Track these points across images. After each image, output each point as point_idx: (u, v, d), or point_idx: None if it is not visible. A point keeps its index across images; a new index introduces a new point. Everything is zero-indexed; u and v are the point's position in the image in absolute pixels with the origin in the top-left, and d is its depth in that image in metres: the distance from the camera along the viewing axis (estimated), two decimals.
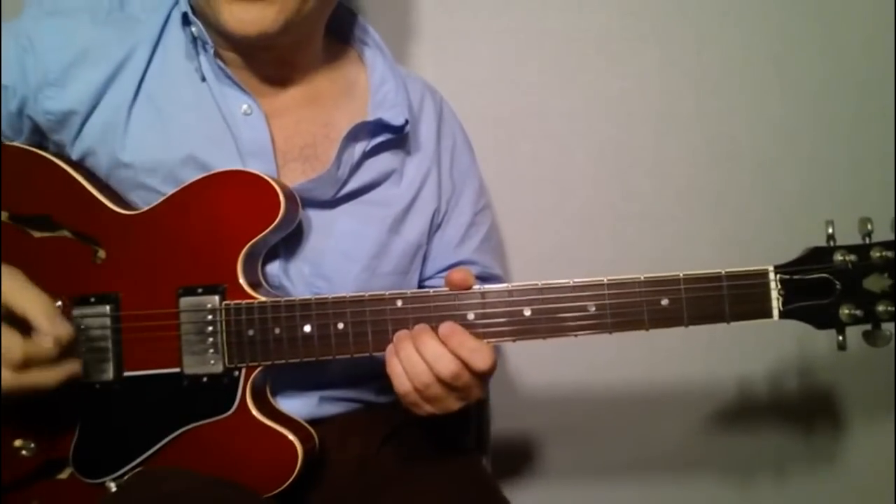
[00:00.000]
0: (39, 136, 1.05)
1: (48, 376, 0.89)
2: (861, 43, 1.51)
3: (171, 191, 0.99)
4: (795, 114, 1.53)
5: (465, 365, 0.88)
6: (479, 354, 0.88)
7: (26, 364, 0.86)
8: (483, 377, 0.91)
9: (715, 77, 1.52)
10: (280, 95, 1.07)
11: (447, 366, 0.88)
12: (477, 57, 1.49)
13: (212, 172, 0.98)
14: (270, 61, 1.04)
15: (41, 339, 0.87)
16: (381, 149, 1.08)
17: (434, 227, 1.13)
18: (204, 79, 1.03)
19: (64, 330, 0.88)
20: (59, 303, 0.98)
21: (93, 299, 0.98)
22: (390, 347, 0.92)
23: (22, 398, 0.88)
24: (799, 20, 1.51)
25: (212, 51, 1.01)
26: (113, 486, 0.96)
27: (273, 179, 0.97)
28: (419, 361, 0.88)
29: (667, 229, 1.53)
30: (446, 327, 0.90)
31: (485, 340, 0.91)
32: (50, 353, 0.88)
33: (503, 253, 1.50)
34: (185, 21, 1.02)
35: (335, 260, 1.04)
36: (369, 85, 1.11)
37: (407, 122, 1.06)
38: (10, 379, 0.86)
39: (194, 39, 1.02)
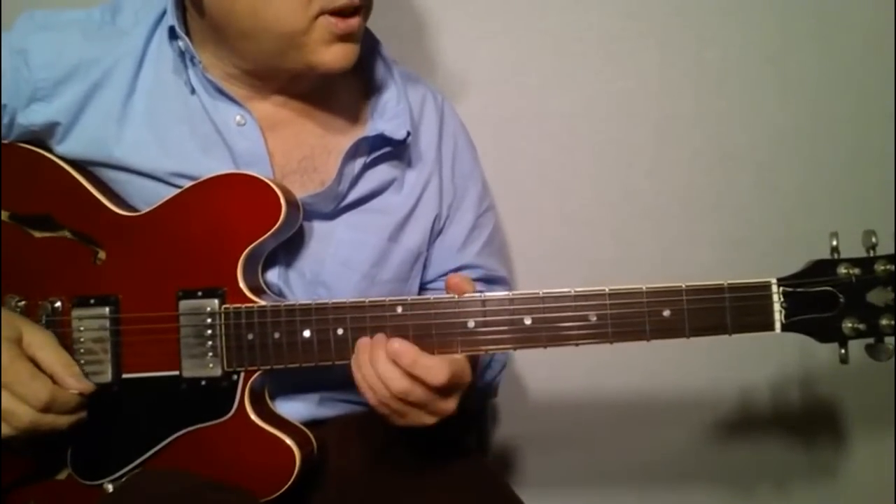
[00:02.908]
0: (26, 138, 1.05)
1: (61, 421, 0.93)
2: (861, 43, 1.50)
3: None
4: (795, 114, 1.52)
5: (420, 381, 0.86)
6: (433, 372, 0.86)
7: (48, 408, 0.91)
8: (446, 391, 0.88)
9: (715, 77, 1.51)
10: (279, 108, 1.05)
11: (397, 384, 0.86)
12: (476, 57, 1.48)
13: (213, 175, 0.98)
14: (285, 78, 1.03)
15: (68, 389, 0.93)
16: (382, 159, 1.07)
17: (435, 233, 1.12)
18: (193, 91, 1.02)
19: (87, 386, 0.94)
20: (59, 303, 0.98)
21: (92, 301, 0.98)
22: (354, 358, 0.90)
23: (27, 437, 0.92)
24: (799, 20, 1.50)
25: (200, 65, 1.01)
26: (110, 488, 0.96)
27: (274, 183, 0.97)
28: (373, 375, 0.87)
29: (667, 229, 1.53)
30: (394, 348, 0.87)
31: (485, 348, 0.91)
32: (73, 402, 0.93)
33: (508, 254, 1.49)
34: (172, 35, 1.02)
35: (335, 268, 1.04)
36: (369, 93, 1.10)
37: (409, 133, 1.05)
38: (32, 417, 0.90)
39: (182, 54, 1.02)
